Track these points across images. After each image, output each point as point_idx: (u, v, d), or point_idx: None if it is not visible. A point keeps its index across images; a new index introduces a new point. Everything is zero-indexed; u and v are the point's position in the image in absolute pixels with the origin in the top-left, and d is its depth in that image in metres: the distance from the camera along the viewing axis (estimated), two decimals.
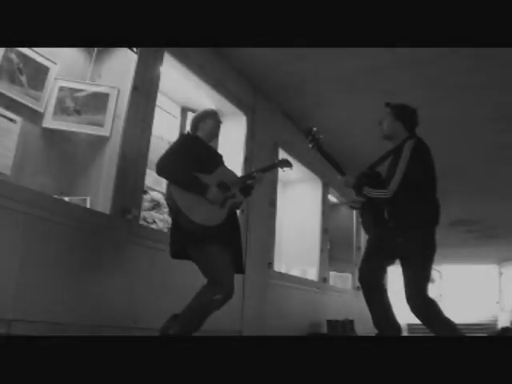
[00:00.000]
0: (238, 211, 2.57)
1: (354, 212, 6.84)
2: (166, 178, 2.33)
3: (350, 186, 2.54)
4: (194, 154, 2.37)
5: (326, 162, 2.60)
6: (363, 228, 2.80)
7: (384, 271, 2.61)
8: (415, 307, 2.36)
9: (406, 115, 2.55)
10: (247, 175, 2.65)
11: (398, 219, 2.46)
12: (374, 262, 2.55)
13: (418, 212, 2.41)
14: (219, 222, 2.27)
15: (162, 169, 2.28)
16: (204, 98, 3.89)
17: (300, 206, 5.82)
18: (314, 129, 2.58)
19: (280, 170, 2.87)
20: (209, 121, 2.56)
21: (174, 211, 2.27)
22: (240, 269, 2.40)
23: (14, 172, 2.48)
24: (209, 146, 2.57)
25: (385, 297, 2.54)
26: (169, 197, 2.27)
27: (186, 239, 2.28)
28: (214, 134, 2.64)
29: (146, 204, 3.45)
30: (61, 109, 2.79)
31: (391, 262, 2.60)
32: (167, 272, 2.87)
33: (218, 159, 2.57)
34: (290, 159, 4.89)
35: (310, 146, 2.59)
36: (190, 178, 2.27)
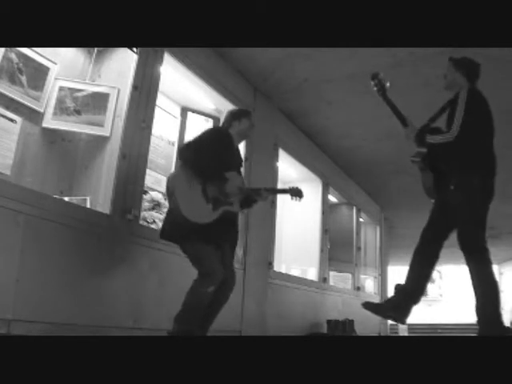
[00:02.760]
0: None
1: (354, 212, 6.84)
2: (187, 164, 2.28)
3: (412, 136, 2.49)
4: (219, 149, 2.36)
5: (391, 111, 2.50)
6: (424, 189, 2.65)
7: (442, 242, 2.56)
8: (468, 252, 2.36)
9: (465, 66, 2.54)
10: (254, 189, 2.61)
11: (451, 164, 2.44)
12: (434, 232, 2.54)
13: (472, 157, 2.38)
14: (207, 221, 2.26)
15: (188, 154, 2.28)
16: (204, 97, 3.89)
17: (300, 206, 5.81)
18: (381, 74, 2.51)
19: (290, 197, 2.62)
20: (244, 120, 2.56)
21: (170, 197, 2.29)
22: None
23: (13, 172, 2.49)
24: (235, 147, 2.57)
25: (429, 272, 2.56)
26: (171, 181, 2.29)
27: (175, 227, 2.30)
28: (246, 135, 2.63)
29: (146, 204, 3.45)
30: (61, 109, 2.79)
31: (450, 231, 2.53)
32: (167, 272, 2.87)
33: (237, 163, 2.57)
34: (290, 159, 4.99)
35: (375, 89, 2.51)
36: (214, 170, 2.30)
